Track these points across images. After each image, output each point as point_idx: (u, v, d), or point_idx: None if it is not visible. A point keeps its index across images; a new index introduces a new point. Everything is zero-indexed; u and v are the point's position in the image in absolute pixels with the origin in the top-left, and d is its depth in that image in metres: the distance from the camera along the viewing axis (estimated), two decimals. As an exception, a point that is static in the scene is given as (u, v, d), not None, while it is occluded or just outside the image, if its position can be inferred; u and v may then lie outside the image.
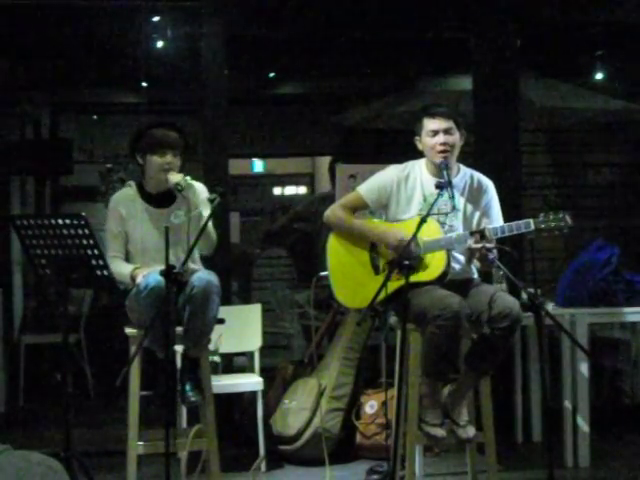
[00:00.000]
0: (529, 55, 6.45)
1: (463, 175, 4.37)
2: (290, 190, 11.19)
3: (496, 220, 4.30)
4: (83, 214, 3.85)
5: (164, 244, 3.79)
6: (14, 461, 2.54)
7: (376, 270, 4.31)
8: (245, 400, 5.56)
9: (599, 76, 8.19)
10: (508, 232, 4.06)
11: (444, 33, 6.19)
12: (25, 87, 8.33)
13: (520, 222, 4.05)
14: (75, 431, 3.96)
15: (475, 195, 4.36)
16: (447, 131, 4.27)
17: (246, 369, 5.63)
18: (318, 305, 5.84)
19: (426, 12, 5.88)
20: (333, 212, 4.46)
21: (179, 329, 4.15)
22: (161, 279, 3.82)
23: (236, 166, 8.58)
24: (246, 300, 7.55)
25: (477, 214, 4.33)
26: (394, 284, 4.02)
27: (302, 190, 11.21)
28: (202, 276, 4.14)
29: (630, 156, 8.71)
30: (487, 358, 4.13)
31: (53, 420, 5.69)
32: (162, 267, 3.79)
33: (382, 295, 3.95)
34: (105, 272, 3.90)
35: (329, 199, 5.43)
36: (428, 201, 4.25)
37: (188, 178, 4.24)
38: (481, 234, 4.06)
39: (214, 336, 4.39)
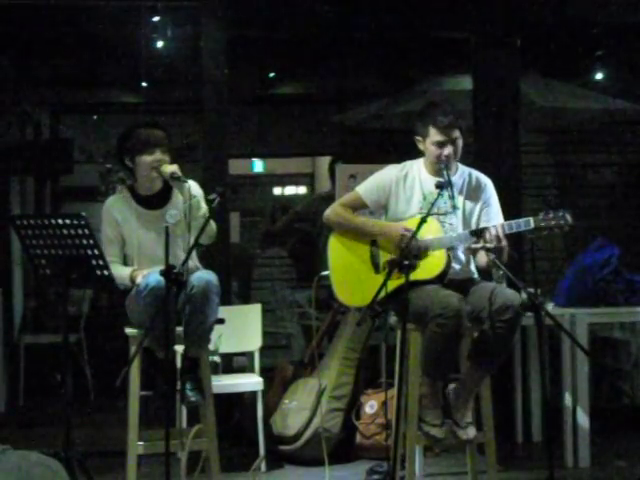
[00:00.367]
0: (529, 55, 6.44)
1: (461, 174, 4.38)
2: (290, 190, 11.19)
3: (495, 218, 4.30)
4: (83, 214, 3.84)
5: (161, 245, 3.79)
6: (14, 461, 2.55)
7: (376, 269, 4.31)
8: (245, 400, 5.56)
9: (599, 76, 8.19)
10: (508, 230, 4.06)
11: (444, 33, 6.19)
12: (25, 87, 8.33)
13: (520, 220, 4.06)
14: (75, 431, 3.95)
15: (474, 193, 4.36)
16: (453, 141, 4.26)
17: (246, 369, 5.63)
18: (318, 305, 5.84)
19: (426, 12, 5.87)
20: (333, 210, 4.47)
21: (179, 329, 4.16)
22: (161, 279, 3.82)
23: (236, 166, 8.58)
24: (246, 300, 7.55)
25: (476, 212, 4.33)
26: (394, 282, 4.02)
27: (302, 190, 11.21)
28: (202, 276, 4.14)
29: (630, 156, 8.71)
30: (490, 354, 4.12)
31: (53, 420, 5.68)
32: (162, 267, 3.80)
33: (382, 294, 3.95)
34: (105, 272, 3.90)
35: (329, 199, 5.43)
36: (428, 200, 4.25)
37: None
38: (481, 233, 4.07)
39: (214, 336, 4.39)
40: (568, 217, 3.98)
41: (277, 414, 5.38)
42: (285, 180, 11.21)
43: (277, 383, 5.62)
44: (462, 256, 4.30)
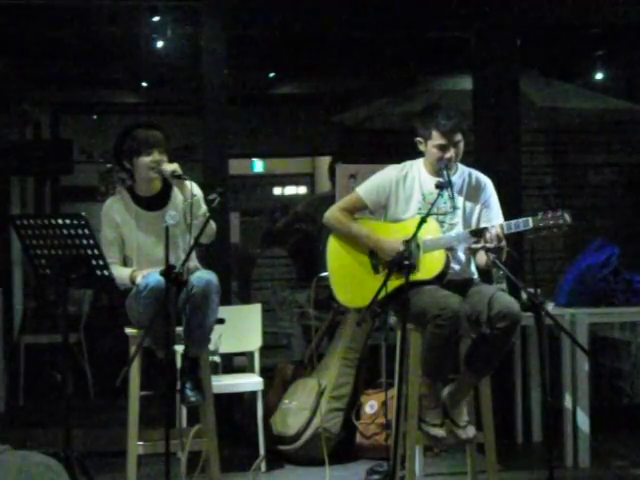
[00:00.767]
0: (529, 55, 6.44)
1: (461, 173, 4.37)
2: (290, 190, 11.20)
3: (496, 218, 4.30)
4: (83, 214, 3.84)
5: (160, 247, 3.79)
6: (14, 461, 2.55)
7: (375, 270, 4.31)
8: (245, 400, 5.57)
9: (599, 76, 8.19)
10: (507, 230, 4.06)
11: (444, 33, 6.19)
12: (25, 87, 8.33)
13: (519, 220, 4.05)
14: (75, 431, 3.95)
15: (473, 193, 4.35)
16: (456, 144, 4.26)
17: (246, 369, 5.63)
18: (318, 305, 5.84)
19: (426, 12, 5.87)
20: (332, 214, 4.45)
21: (179, 329, 4.16)
22: (161, 279, 3.82)
23: (236, 166, 8.59)
24: (246, 300, 7.56)
25: (476, 212, 4.33)
26: (394, 283, 4.02)
27: (302, 190, 11.22)
28: (202, 276, 4.14)
29: (630, 156, 8.70)
30: (486, 358, 4.13)
31: (53, 420, 5.68)
32: (162, 267, 3.80)
33: (382, 294, 3.95)
34: (105, 272, 3.90)
35: (329, 199, 5.43)
36: (427, 200, 4.25)
37: None
38: (481, 233, 4.07)
39: (214, 336, 4.39)
40: (567, 217, 3.98)
41: (277, 414, 5.38)
42: (285, 180, 11.22)
43: (277, 383, 5.62)
44: (462, 256, 4.30)
